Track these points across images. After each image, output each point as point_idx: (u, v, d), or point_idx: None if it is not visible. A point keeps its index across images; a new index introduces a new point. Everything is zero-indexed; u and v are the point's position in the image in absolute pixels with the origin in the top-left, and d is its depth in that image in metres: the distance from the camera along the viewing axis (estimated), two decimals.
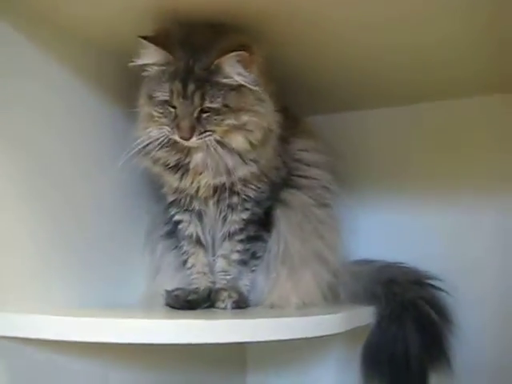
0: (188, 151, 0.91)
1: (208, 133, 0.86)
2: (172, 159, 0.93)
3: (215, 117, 0.86)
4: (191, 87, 0.84)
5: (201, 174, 0.92)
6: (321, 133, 1.14)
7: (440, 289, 1.10)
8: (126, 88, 0.99)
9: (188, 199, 0.99)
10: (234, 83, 0.85)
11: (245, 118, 0.87)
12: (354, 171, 1.26)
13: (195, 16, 0.86)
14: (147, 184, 1.06)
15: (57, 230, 0.92)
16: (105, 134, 1.04)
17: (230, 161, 0.89)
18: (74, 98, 0.98)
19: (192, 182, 0.94)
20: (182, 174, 0.94)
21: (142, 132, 0.92)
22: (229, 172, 0.90)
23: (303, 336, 0.85)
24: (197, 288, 0.99)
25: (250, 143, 0.89)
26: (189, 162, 0.92)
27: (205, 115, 0.85)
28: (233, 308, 0.94)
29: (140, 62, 0.87)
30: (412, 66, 1.07)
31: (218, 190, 0.95)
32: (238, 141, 0.89)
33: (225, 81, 0.84)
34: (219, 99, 0.84)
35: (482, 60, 1.04)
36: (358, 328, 0.99)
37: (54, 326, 0.77)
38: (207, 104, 0.84)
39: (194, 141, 0.86)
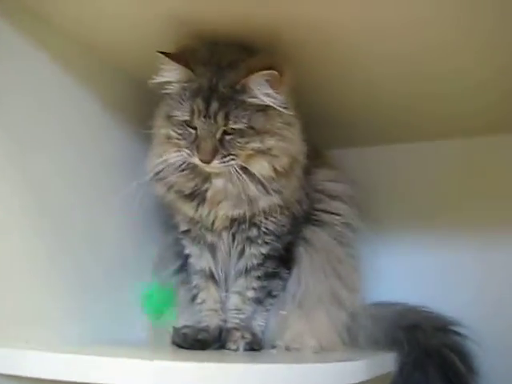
0: (207, 178, 0.86)
1: (231, 157, 0.81)
2: (188, 186, 0.87)
3: (239, 139, 0.80)
4: (214, 106, 0.79)
5: (219, 204, 0.87)
6: (345, 167, 1.09)
7: (465, 336, 1.03)
8: (140, 108, 0.95)
9: (201, 231, 0.93)
10: (261, 103, 0.80)
11: (271, 142, 0.82)
12: (377, 208, 1.20)
13: (222, 36, 0.83)
14: (157, 213, 1.01)
15: (64, 264, 0.87)
16: (115, 158, 0.99)
17: (253, 190, 0.84)
18: (86, 117, 0.94)
19: (209, 213, 0.88)
20: (198, 204, 0.88)
21: (157, 156, 0.87)
22: (250, 202, 0.85)
23: None
24: (207, 326, 0.92)
25: (275, 170, 0.84)
26: (206, 190, 0.87)
27: (228, 137, 0.80)
28: (245, 350, 0.88)
29: (159, 79, 0.83)
30: (440, 96, 1.03)
31: (235, 221, 0.89)
32: (262, 167, 0.83)
33: (251, 100, 0.80)
34: (244, 120, 0.79)
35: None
36: (381, 376, 0.92)
37: (50, 364, 0.70)
38: (231, 125, 0.79)
39: (215, 164, 0.81)
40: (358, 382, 0.82)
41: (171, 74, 0.82)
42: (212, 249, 0.94)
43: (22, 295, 0.79)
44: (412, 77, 0.95)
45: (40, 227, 0.83)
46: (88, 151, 0.94)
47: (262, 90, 0.79)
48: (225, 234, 0.92)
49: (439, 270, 1.20)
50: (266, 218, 0.90)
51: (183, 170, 0.86)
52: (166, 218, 0.99)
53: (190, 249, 0.96)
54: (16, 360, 0.72)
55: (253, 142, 0.81)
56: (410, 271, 1.21)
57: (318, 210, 0.98)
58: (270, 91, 0.80)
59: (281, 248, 0.94)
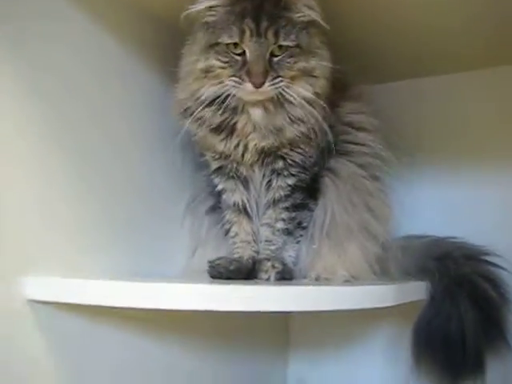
0: (236, 110, 0.87)
1: (280, 79, 0.82)
2: (216, 120, 0.88)
3: (288, 59, 0.81)
4: (264, 24, 0.79)
5: (248, 135, 0.88)
6: (374, 101, 1.07)
7: (497, 265, 1.03)
8: (164, 50, 0.96)
9: (234, 165, 0.94)
10: (306, 19, 0.81)
11: (313, 61, 0.84)
12: (407, 142, 1.17)
13: None
14: (188, 153, 1.02)
15: (96, 201, 0.89)
16: (143, 100, 1.00)
17: (280, 119, 0.85)
18: (110, 62, 0.94)
19: (237, 145, 0.90)
20: (227, 136, 0.89)
21: (191, 92, 0.87)
22: (278, 132, 0.86)
23: (352, 307, 0.81)
24: (240, 257, 0.95)
25: (315, 92, 0.85)
26: (235, 123, 0.88)
27: (276, 59, 0.81)
28: (276, 279, 0.89)
29: (200, 6, 0.82)
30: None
31: (264, 153, 0.91)
32: (303, 88, 0.84)
33: (297, 16, 0.81)
34: (293, 37, 0.81)
35: None
36: (409, 304, 0.93)
37: (93, 291, 0.75)
38: (281, 41, 0.80)
39: (265, 88, 0.81)
40: (386, 305, 0.84)
41: None
42: (245, 182, 0.96)
43: (64, 227, 0.83)
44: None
45: (79, 163, 0.86)
46: (117, 94, 0.95)
47: (304, 2, 0.81)
48: (256, 166, 0.94)
49: (470, 202, 1.18)
50: (292, 150, 0.91)
51: (214, 105, 0.86)
52: (196, 156, 1.01)
53: (224, 184, 0.98)
54: (60, 287, 0.76)
55: (300, 61, 0.82)
56: (442, 205, 1.20)
57: (344, 142, 0.97)
58: (312, 2, 0.81)
59: (308, 179, 0.94)
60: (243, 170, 0.95)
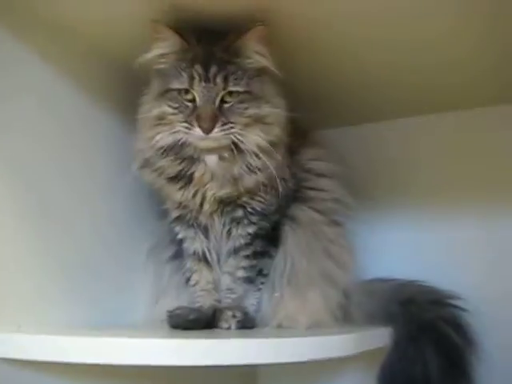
0: (194, 159, 0.87)
1: (230, 125, 0.81)
2: (174, 169, 0.88)
3: (238, 105, 0.81)
4: (213, 69, 0.80)
5: (206, 185, 0.88)
6: (334, 146, 1.09)
7: (461, 308, 1.03)
8: (124, 96, 0.96)
9: (193, 214, 0.94)
10: (257, 66, 0.82)
11: (266, 108, 0.83)
12: (368, 185, 1.20)
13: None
14: (148, 201, 1.03)
15: (53, 251, 0.88)
16: (105, 145, 1.00)
17: (238, 168, 0.85)
18: (72, 107, 0.95)
19: (195, 195, 0.89)
20: (184, 186, 0.89)
21: (147, 140, 0.87)
22: (235, 181, 0.86)
23: (313, 358, 0.79)
24: (200, 306, 0.94)
25: (269, 140, 0.84)
26: (192, 173, 0.88)
27: (226, 105, 0.81)
28: (237, 328, 0.88)
29: (153, 53, 0.83)
30: (422, 69, 1.01)
31: (223, 202, 0.91)
32: (256, 136, 0.83)
33: (247, 62, 0.82)
34: (243, 82, 0.81)
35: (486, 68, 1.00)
36: (374, 350, 0.93)
37: (42, 346, 0.73)
38: (231, 87, 0.80)
39: (215, 134, 0.81)
40: (347, 354, 0.83)
41: (166, 45, 0.83)
42: (205, 230, 0.96)
43: (19, 277, 0.81)
44: (399, 47, 0.93)
45: (37, 212, 0.85)
46: (80, 141, 0.95)
47: (255, 49, 0.81)
48: (215, 215, 0.93)
49: (432, 244, 1.19)
50: (252, 198, 0.91)
51: (171, 154, 0.87)
52: (158, 204, 1.00)
53: (184, 233, 0.97)
54: (13, 343, 0.74)
55: (251, 107, 0.82)
56: (403, 247, 1.21)
57: (304, 188, 0.98)
58: (263, 49, 0.81)
59: (268, 227, 0.94)
60: (203, 219, 0.94)
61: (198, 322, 0.89)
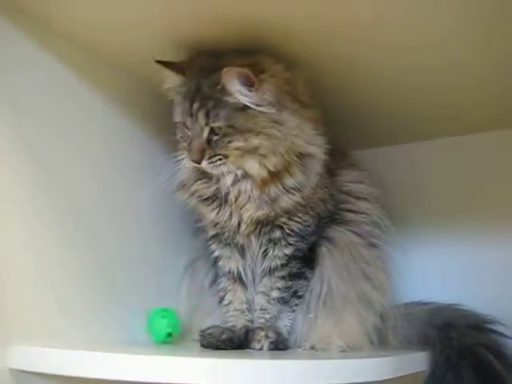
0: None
1: (218, 157, 0.83)
2: (208, 191, 0.89)
3: (223, 139, 0.82)
4: (196, 105, 0.82)
5: (243, 207, 0.88)
6: (370, 167, 1.08)
7: (501, 334, 0.99)
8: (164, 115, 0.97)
9: (230, 233, 0.94)
10: (238, 102, 0.81)
11: (255, 141, 0.83)
12: (405, 208, 1.18)
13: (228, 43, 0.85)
14: (188, 216, 1.03)
15: (85, 271, 0.89)
16: (147, 165, 1.02)
17: (273, 190, 0.85)
18: (110, 126, 0.97)
19: (231, 216, 0.90)
20: (219, 206, 0.90)
21: (178, 160, 0.90)
22: (272, 202, 0.86)
23: (349, 381, 0.77)
24: (233, 326, 0.93)
25: (268, 170, 0.84)
26: (227, 194, 0.88)
27: (215, 138, 0.83)
28: (270, 349, 0.88)
29: (164, 86, 0.88)
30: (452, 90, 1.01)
31: (259, 223, 0.91)
32: (252, 167, 0.84)
33: (229, 99, 0.81)
34: (223, 119, 0.81)
35: None
36: (410, 376, 0.90)
37: (73, 361, 0.73)
38: (211, 123, 0.82)
39: (204, 165, 0.84)
40: (383, 379, 0.81)
41: (169, 81, 0.87)
42: (241, 250, 0.96)
43: (48, 293, 0.82)
44: (426, 70, 0.94)
45: (69, 229, 0.87)
46: (118, 158, 0.98)
47: (234, 88, 0.81)
48: (253, 235, 0.93)
49: (471, 267, 1.16)
50: (290, 219, 0.91)
51: (204, 177, 0.89)
52: (194, 222, 1.02)
53: (220, 251, 0.98)
54: (43, 357, 0.74)
55: (235, 140, 0.82)
56: (441, 270, 1.18)
57: (343, 210, 0.98)
58: (242, 89, 0.81)
59: (305, 248, 0.94)
60: (240, 239, 0.94)
61: (230, 341, 0.89)
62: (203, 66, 0.84)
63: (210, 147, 0.83)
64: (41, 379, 0.77)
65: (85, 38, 0.88)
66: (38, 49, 0.85)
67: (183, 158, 0.88)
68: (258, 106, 0.81)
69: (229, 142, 0.82)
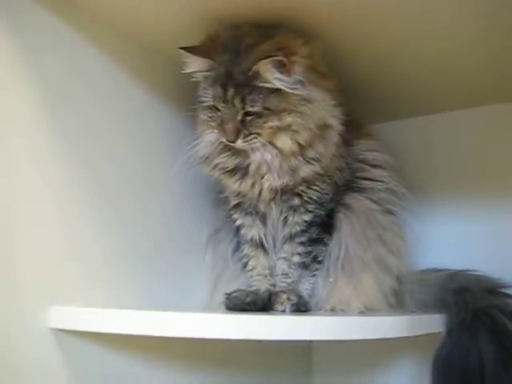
0: (247, 153, 0.91)
1: (253, 135, 0.87)
2: (231, 163, 0.93)
3: (258, 120, 0.86)
4: (231, 92, 0.85)
5: (263, 176, 0.92)
6: (389, 139, 1.12)
7: None
8: (185, 92, 0.99)
9: (252, 202, 0.98)
10: (273, 87, 0.84)
11: (289, 119, 0.86)
12: (422, 177, 1.22)
13: (249, 17, 0.88)
14: (209, 189, 1.07)
15: (117, 235, 0.94)
16: (166, 139, 1.06)
17: (293, 160, 0.89)
18: (132, 104, 1.00)
19: (253, 185, 0.93)
20: (242, 177, 0.94)
21: (200, 136, 0.94)
22: (292, 172, 0.90)
23: (366, 337, 0.82)
24: (257, 289, 0.97)
25: (298, 144, 0.88)
26: (248, 165, 0.92)
27: (249, 118, 0.86)
28: (292, 311, 0.92)
29: (187, 70, 0.89)
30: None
31: (279, 191, 0.94)
32: (284, 142, 0.88)
33: (263, 85, 0.84)
34: (259, 103, 0.84)
35: None
36: (428, 337, 0.94)
37: (113, 319, 0.78)
38: (248, 108, 0.85)
39: (239, 143, 0.87)
40: (399, 336, 0.85)
41: (195, 65, 0.88)
42: (263, 217, 1.00)
43: (86, 259, 0.87)
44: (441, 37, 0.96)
45: (98, 205, 0.91)
46: (137, 136, 1.01)
47: (271, 76, 0.83)
48: (273, 203, 0.97)
49: (487, 235, 1.19)
50: (309, 187, 0.95)
51: (226, 150, 0.93)
52: (216, 193, 1.06)
53: (242, 220, 1.01)
54: (80, 316, 0.80)
55: (270, 121, 0.86)
56: (457, 238, 1.22)
57: (359, 178, 1.01)
58: (280, 76, 0.83)
59: (324, 215, 0.97)
60: (261, 207, 0.98)
61: (254, 304, 0.93)
62: (229, 48, 0.86)
63: (244, 127, 0.86)
64: (78, 337, 0.82)
65: (111, 17, 0.91)
66: (68, 30, 0.88)
67: (208, 134, 0.92)
68: (291, 88, 0.85)
69: (264, 122, 0.86)
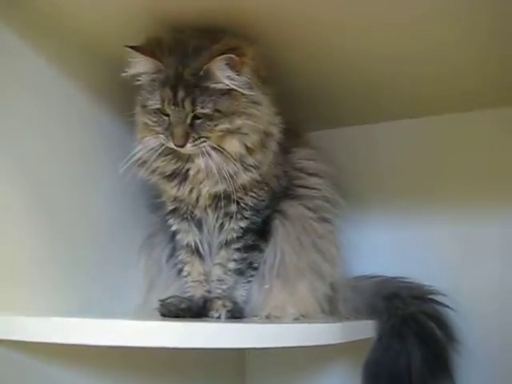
0: (187, 158, 0.90)
1: (202, 139, 0.86)
2: (170, 168, 0.92)
3: (208, 123, 0.85)
4: (181, 94, 0.83)
5: (201, 182, 0.91)
6: (326, 147, 1.13)
7: (443, 304, 1.07)
8: (123, 96, 0.97)
9: (188, 207, 0.97)
10: (225, 87, 0.84)
11: (239, 121, 0.86)
12: (359, 186, 1.24)
13: (190, 21, 0.87)
14: (144, 194, 1.06)
15: (47, 238, 0.90)
16: (102, 143, 1.04)
17: (232, 167, 0.88)
18: (71, 106, 0.98)
19: (191, 191, 0.93)
20: (180, 183, 0.93)
21: (139, 141, 0.92)
22: (230, 179, 0.89)
23: (301, 344, 0.83)
24: (191, 296, 0.97)
25: (246, 147, 0.88)
26: (188, 170, 0.91)
27: (198, 121, 0.85)
28: (227, 318, 0.91)
29: (131, 71, 0.87)
30: (417, 77, 1.06)
31: (217, 198, 0.94)
32: (233, 145, 0.87)
33: (214, 85, 0.84)
34: (210, 105, 0.84)
35: (487, 73, 1.04)
36: (360, 343, 0.97)
37: (36, 327, 0.76)
38: (198, 110, 0.84)
39: (188, 148, 0.86)
40: (333, 342, 0.86)
41: (140, 66, 0.86)
42: (199, 223, 0.99)
43: (13, 265, 0.84)
44: (389, 58, 0.99)
45: (33, 207, 0.88)
46: (79, 136, 0.99)
47: (223, 74, 0.83)
48: (209, 209, 0.96)
49: (419, 244, 1.23)
50: (245, 194, 0.95)
51: (165, 155, 0.91)
52: (152, 198, 1.04)
53: (178, 225, 1.00)
54: (10, 325, 0.77)
55: (221, 123, 0.85)
56: (390, 246, 1.25)
57: (296, 186, 1.02)
58: (232, 74, 0.83)
59: (260, 221, 0.98)
60: (197, 213, 0.97)
61: (188, 310, 0.93)
62: (176, 51, 0.85)
63: (194, 131, 0.85)
64: (6, 347, 0.78)
65: (48, 14, 0.88)
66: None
67: (148, 140, 0.90)
68: (242, 88, 0.85)
69: (215, 125, 0.85)
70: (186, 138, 0.85)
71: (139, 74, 0.88)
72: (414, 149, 1.28)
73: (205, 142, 0.86)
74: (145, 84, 0.88)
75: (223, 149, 0.87)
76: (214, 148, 0.87)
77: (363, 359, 1.02)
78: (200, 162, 0.89)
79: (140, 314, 0.99)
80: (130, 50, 0.85)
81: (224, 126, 0.86)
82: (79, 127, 1.00)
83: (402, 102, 1.19)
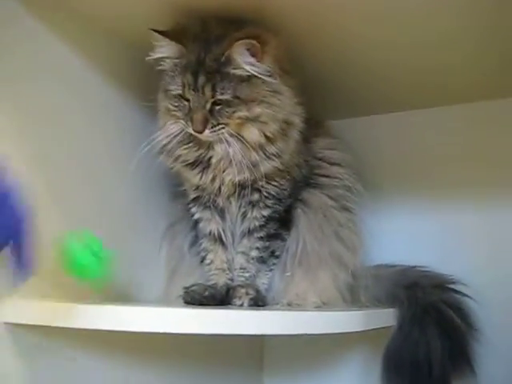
0: (209, 146, 0.91)
1: (221, 125, 0.86)
2: (192, 156, 0.93)
3: (227, 109, 0.85)
4: (202, 79, 0.84)
5: (224, 170, 0.92)
6: (344, 136, 1.14)
7: (462, 293, 1.07)
8: (146, 83, 0.98)
9: (211, 196, 0.98)
10: (245, 74, 0.84)
11: (258, 109, 0.86)
12: (379, 175, 1.25)
13: (214, 10, 0.87)
14: (166, 182, 1.07)
15: (77, 228, 0.87)
16: (126, 131, 1.04)
17: (254, 156, 0.88)
18: (94, 92, 0.98)
19: (213, 179, 0.93)
20: (202, 171, 0.93)
21: (161, 128, 0.93)
22: (253, 167, 0.89)
23: (321, 331, 0.84)
24: (214, 284, 0.98)
25: (266, 136, 0.88)
26: (210, 158, 0.92)
27: (217, 108, 0.85)
28: (250, 305, 0.92)
29: (155, 55, 0.88)
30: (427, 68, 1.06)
31: (240, 186, 0.94)
32: (252, 133, 0.88)
33: (235, 71, 0.84)
34: (230, 91, 0.84)
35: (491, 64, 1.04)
36: (379, 330, 0.97)
37: (66, 314, 0.76)
38: (218, 96, 0.84)
39: (206, 134, 0.86)
40: (354, 330, 0.87)
41: (164, 50, 0.87)
42: (221, 212, 1.00)
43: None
44: (406, 47, 0.98)
45: (56, 195, 0.89)
46: (102, 124, 1.00)
47: (243, 60, 0.83)
48: (232, 198, 0.97)
49: (439, 233, 1.22)
50: (268, 183, 0.95)
51: (187, 142, 0.92)
52: (174, 187, 1.05)
53: (201, 214, 1.01)
54: (39, 311, 0.78)
55: (239, 110, 0.85)
56: (410, 234, 1.25)
57: (317, 175, 1.03)
58: (252, 60, 0.84)
59: (282, 210, 0.99)
60: (220, 201, 0.98)
61: (212, 298, 0.94)
62: (200, 38, 0.85)
63: (213, 117, 0.85)
64: (34, 332, 0.80)
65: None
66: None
67: (171, 125, 0.90)
68: (263, 75, 0.85)
69: (233, 111, 0.85)
70: (205, 123, 0.86)
71: (163, 59, 0.89)
72: (434, 137, 1.27)
73: (223, 128, 0.86)
74: (168, 69, 0.89)
75: (242, 137, 0.87)
76: (232, 135, 0.87)
77: (383, 347, 1.03)
78: (219, 148, 0.90)
79: (163, 301, 1.01)
80: (155, 33, 0.86)
81: (242, 113, 0.86)
82: (103, 115, 1.00)
83: (427, 90, 1.19)
